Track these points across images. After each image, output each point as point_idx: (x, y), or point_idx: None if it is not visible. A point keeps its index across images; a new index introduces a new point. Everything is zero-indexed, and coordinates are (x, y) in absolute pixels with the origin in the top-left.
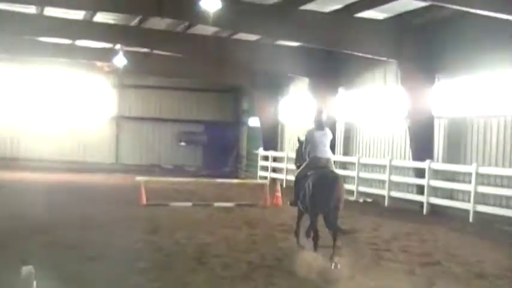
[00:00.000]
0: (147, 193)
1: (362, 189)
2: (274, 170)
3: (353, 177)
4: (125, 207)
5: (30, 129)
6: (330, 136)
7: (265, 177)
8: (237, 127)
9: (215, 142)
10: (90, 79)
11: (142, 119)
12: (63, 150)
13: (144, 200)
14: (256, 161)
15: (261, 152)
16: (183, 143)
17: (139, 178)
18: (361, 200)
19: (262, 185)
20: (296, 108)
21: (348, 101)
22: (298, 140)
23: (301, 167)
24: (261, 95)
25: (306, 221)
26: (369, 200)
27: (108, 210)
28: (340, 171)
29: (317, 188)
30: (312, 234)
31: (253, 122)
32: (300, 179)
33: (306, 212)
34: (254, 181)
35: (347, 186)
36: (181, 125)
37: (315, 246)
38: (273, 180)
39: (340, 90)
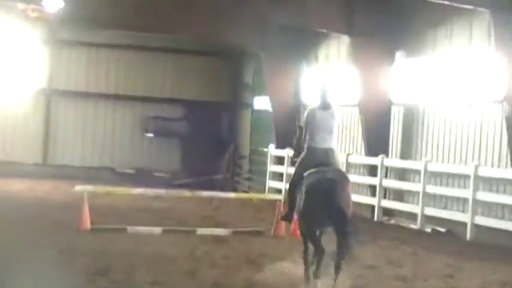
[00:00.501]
0: (94, 212)
1: (430, 212)
2: None
3: (416, 193)
4: (57, 233)
5: None
6: (337, 119)
7: (279, 190)
8: (236, 111)
9: (201, 134)
10: (5, 30)
11: (86, 95)
12: None
13: (87, 223)
14: (265, 165)
15: (272, 150)
16: (150, 134)
17: (80, 188)
18: (428, 230)
19: (274, 203)
20: (328, 84)
21: (410, 73)
22: (298, 126)
23: (296, 164)
24: (274, 63)
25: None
26: (441, 229)
27: (29, 238)
28: (395, 183)
29: (310, 198)
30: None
31: (261, 103)
32: (293, 186)
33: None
34: (261, 196)
35: (405, 207)
36: (148, 106)
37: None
38: None
39: (398, 56)
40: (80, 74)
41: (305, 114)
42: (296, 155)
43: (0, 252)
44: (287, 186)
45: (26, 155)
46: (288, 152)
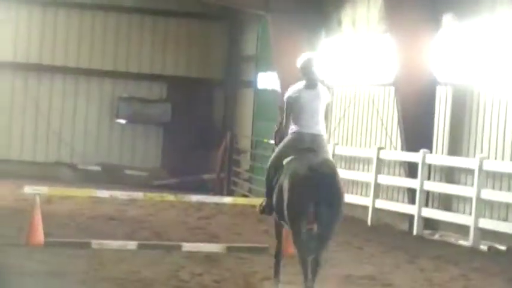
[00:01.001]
0: (48, 221)
1: (486, 224)
2: None
3: (467, 200)
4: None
5: None
6: (325, 98)
7: None
8: (233, 91)
9: (187, 121)
10: None
11: (39, 68)
12: None
13: (40, 236)
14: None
15: None
16: (122, 120)
17: (30, 190)
18: (483, 247)
19: None
20: (355, 55)
21: (462, 43)
22: (279, 108)
23: (276, 150)
24: (284, 29)
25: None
26: (501, 247)
27: None
28: (442, 186)
29: (296, 187)
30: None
31: (267, 81)
32: (272, 170)
33: (285, 223)
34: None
35: (453, 217)
36: (119, 84)
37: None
38: None
39: (446, 20)
40: (32, 41)
41: (287, 95)
42: (278, 143)
43: None
44: None
45: None
46: None
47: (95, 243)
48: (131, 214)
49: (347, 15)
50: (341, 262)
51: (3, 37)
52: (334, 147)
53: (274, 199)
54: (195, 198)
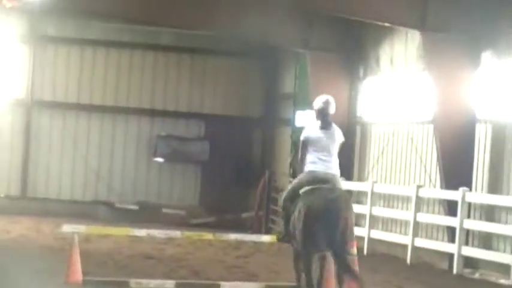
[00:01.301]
0: (86, 259)
1: None
2: None
3: (508, 238)
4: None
5: None
6: (339, 138)
7: None
8: (271, 129)
9: (225, 159)
10: None
11: (77, 107)
12: None
13: (78, 274)
14: None
15: None
16: (160, 159)
17: (69, 228)
18: None
19: None
20: (393, 93)
21: (501, 80)
22: (292, 143)
23: (291, 185)
24: (322, 67)
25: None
26: None
27: None
28: (482, 225)
29: (311, 215)
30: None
31: (305, 119)
32: (288, 201)
33: (299, 249)
34: None
35: (494, 256)
36: (157, 122)
37: None
38: None
39: (485, 58)
40: (70, 79)
41: (304, 134)
42: (292, 176)
43: None
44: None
45: None
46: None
47: (133, 282)
48: (169, 253)
49: (385, 54)
50: None
51: (43, 77)
52: (373, 185)
53: (291, 227)
54: (233, 236)
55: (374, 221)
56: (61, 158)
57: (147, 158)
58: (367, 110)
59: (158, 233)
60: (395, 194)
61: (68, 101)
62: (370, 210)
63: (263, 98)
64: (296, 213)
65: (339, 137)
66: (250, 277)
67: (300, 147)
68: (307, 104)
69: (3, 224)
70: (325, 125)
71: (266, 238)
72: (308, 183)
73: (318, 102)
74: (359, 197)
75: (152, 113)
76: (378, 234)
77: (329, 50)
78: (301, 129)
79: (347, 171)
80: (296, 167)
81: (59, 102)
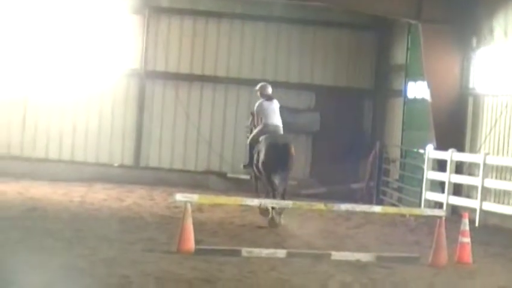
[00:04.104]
0: (198, 229)
1: None
2: (457, 190)
3: None
4: (152, 256)
5: None
6: (277, 105)
7: (439, 204)
8: (382, 100)
9: (336, 130)
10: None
11: (190, 77)
12: (26, 140)
13: (191, 243)
14: (420, 171)
15: (430, 152)
16: None
17: (181, 197)
18: None
19: (433, 220)
20: (507, 64)
21: None
22: (251, 113)
23: (254, 133)
24: (435, 38)
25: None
26: None
27: (116, 262)
28: None
29: (269, 152)
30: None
31: (417, 90)
32: (252, 143)
33: (259, 174)
34: (416, 211)
35: None
36: None
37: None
38: (456, 211)
39: None
40: (182, 50)
41: (257, 105)
42: (251, 131)
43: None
44: (449, 198)
45: (113, 154)
46: (452, 156)
47: (245, 250)
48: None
49: (499, 25)
50: (494, 273)
51: (156, 47)
52: (485, 157)
53: (255, 160)
54: (344, 207)
55: (486, 193)
56: (173, 128)
57: None
58: (479, 81)
59: (269, 203)
60: (508, 165)
61: (180, 71)
62: (482, 182)
63: (374, 69)
64: (260, 149)
65: (276, 104)
66: (361, 248)
67: (256, 112)
68: (419, 75)
69: (117, 193)
70: (268, 99)
71: (377, 209)
72: (264, 132)
73: (259, 86)
74: (471, 168)
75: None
76: (490, 206)
77: (441, 21)
78: (413, 100)
79: (459, 143)
80: (252, 127)
81: (171, 73)
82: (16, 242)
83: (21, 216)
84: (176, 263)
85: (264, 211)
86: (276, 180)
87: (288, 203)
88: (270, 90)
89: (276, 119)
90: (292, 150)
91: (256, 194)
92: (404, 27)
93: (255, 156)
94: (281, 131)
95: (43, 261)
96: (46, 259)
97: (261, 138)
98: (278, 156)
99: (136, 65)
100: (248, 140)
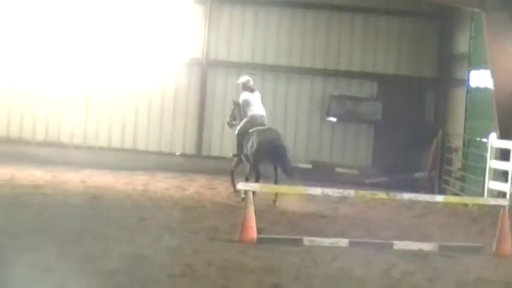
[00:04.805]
0: (260, 217)
1: None
2: None
3: None
4: (214, 245)
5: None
6: (259, 96)
7: (502, 194)
8: (445, 89)
9: (398, 119)
10: None
11: (252, 66)
12: (89, 130)
13: (253, 232)
14: (482, 160)
15: (493, 141)
16: (333, 119)
17: (243, 186)
18: None
19: (496, 210)
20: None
21: None
22: (234, 102)
23: (242, 123)
24: (499, 26)
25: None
26: None
27: (179, 250)
28: None
29: (262, 143)
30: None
31: (480, 79)
32: (242, 134)
33: (248, 162)
34: (479, 200)
35: None
36: (330, 82)
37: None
38: None
39: None
40: (244, 40)
41: (241, 98)
42: (232, 120)
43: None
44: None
45: (175, 143)
46: None
47: (307, 240)
48: (342, 212)
49: None
50: None
51: (218, 37)
52: None
53: (245, 150)
54: (407, 196)
55: None
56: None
57: (319, 117)
58: None
59: (332, 192)
60: None
61: (242, 60)
62: None
63: (437, 58)
64: (250, 142)
65: (259, 96)
66: (424, 237)
67: (242, 105)
68: (483, 64)
69: (179, 181)
70: (251, 91)
71: (440, 198)
72: (253, 123)
73: (242, 80)
74: None
75: (325, 72)
76: None
77: (505, 9)
78: (476, 89)
79: None
80: (236, 115)
81: (233, 62)
82: (80, 230)
83: (85, 204)
84: (238, 251)
85: (237, 191)
86: (277, 170)
87: (350, 192)
88: (252, 83)
89: (261, 110)
90: (282, 141)
91: (232, 176)
92: (467, 16)
93: (245, 146)
94: (266, 121)
95: (107, 249)
96: (110, 247)
97: (251, 130)
98: (272, 151)
99: (198, 54)
100: (236, 131)
